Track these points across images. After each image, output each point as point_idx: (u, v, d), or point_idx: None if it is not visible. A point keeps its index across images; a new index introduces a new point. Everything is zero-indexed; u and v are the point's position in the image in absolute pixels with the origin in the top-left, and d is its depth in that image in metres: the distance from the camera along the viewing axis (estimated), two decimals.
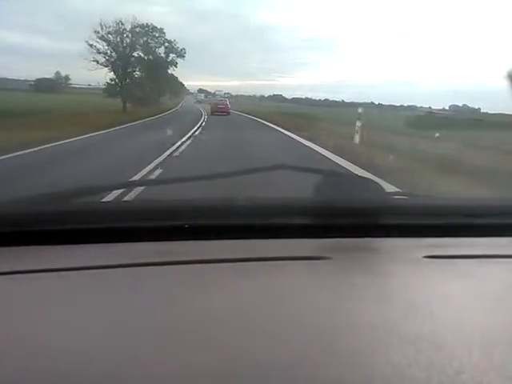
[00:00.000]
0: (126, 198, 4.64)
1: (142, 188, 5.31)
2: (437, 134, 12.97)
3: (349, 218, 0.93)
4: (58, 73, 70.46)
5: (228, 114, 32.07)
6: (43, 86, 57.38)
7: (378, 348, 0.55)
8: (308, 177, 0.98)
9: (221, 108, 32.34)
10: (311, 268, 0.81)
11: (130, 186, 4.40)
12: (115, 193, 4.58)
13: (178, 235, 0.91)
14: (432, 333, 0.57)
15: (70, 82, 72.11)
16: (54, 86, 61.92)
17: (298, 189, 1.29)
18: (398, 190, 4.08)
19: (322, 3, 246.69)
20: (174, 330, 0.59)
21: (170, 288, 0.74)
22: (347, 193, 0.97)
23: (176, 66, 58.60)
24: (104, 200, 1.28)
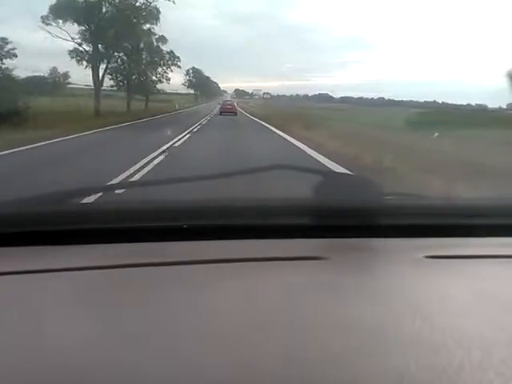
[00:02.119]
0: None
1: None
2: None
3: (348, 218, 0.93)
4: (54, 69, 49.75)
5: (235, 114, 36.67)
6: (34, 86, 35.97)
7: (377, 349, 0.55)
8: (307, 177, 0.98)
9: (228, 108, 37.99)
10: (310, 268, 0.81)
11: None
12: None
13: (177, 236, 0.91)
14: (432, 333, 0.57)
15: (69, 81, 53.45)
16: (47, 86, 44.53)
17: (297, 189, 1.29)
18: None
19: (360, 0, 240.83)
20: (173, 331, 0.59)
21: (168, 289, 0.74)
22: (346, 193, 0.96)
23: (156, 23, 29.30)
24: (103, 200, 1.28)
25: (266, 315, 0.63)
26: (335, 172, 1.16)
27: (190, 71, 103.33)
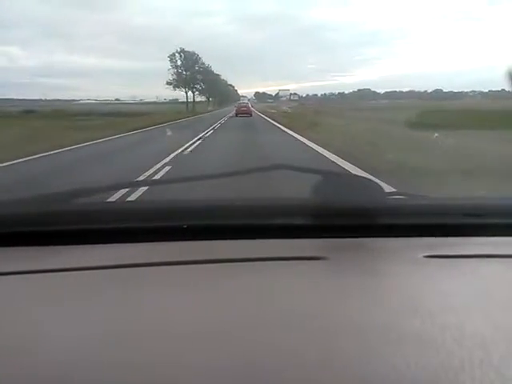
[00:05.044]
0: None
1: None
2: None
3: (348, 218, 0.93)
4: None
5: (250, 115, 37.80)
6: None
7: (376, 348, 0.55)
8: (307, 177, 0.98)
9: (243, 110, 39.41)
10: (310, 268, 0.81)
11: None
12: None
13: (177, 235, 0.92)
14: (431, 333, 0.57)
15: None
16: None
17: (297, 189, 1.29)
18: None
19: None
20: (173, 330, 0.59)
21: (168, 288, 0.74)
22: (346, 193, 0.96)
23: None
24: (103, 200, 1.28)
25: (266, 315, 0.63)
26: (335, 172, 1.15)
27: (177, 56, 57.25)
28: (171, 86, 59.31)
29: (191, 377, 0.50)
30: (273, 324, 0.60)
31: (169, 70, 59.49)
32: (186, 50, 59.55)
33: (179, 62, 60.14)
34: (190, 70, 60.32)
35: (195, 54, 61.87)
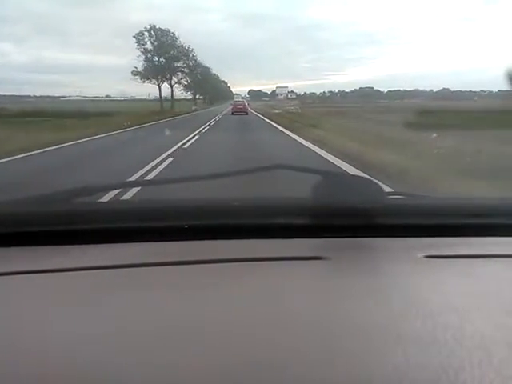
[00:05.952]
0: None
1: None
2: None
3: (347, 218, 0.93)
4: None
5: (246, 113, 37.95)
6: None
7: (377, 348, 0.55)
8: (306, 177, 0.98)
9: (240, 108, 39.37)
10: (310, 268, 0.81)
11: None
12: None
13: (177, 235, 0.92)
14: (432, 333, 0.57)
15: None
16: None
17: (296, 188, 1.29)
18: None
19: None
20: (173, 330, 0.59)
21: (168, 288, 0.74)
22: (346, 193, 0.96)
23: None
24: (103, 200, 1.28)
25: (266, 315, 0.63)
26: (335, 172, 1.15)
27: (146, 36, 40.55)
28: (138, 78, 41.17)
29: (192, 376, 0.50)
30: (273, 324, 0.60)
31: (138, 56, 41.98)
32: (158, 27, 42.23)
33: (149, 45, 42.94)
34: (164, 55, 42.84)
35: (171, 32, 44.32)
